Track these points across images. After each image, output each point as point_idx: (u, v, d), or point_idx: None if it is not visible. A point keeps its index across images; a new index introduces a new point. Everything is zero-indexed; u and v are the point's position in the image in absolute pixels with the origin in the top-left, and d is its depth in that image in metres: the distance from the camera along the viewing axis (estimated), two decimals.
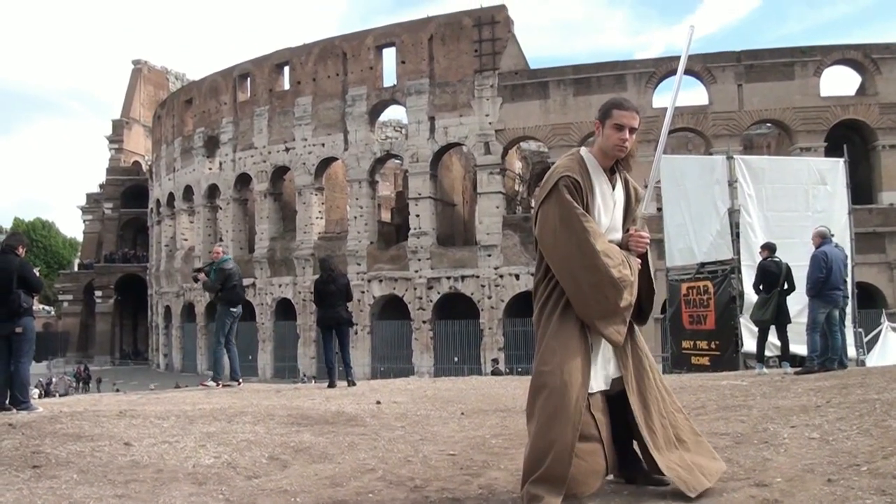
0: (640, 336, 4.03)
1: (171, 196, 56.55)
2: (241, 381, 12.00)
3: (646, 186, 4.11)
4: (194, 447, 5.47)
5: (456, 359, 40.41)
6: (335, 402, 8.80)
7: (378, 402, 8.44)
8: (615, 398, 3.89)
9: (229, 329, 11.86)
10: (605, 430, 3.84)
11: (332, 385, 11.36)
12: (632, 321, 3.94)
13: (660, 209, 20.51)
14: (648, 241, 3.94)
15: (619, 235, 3.96)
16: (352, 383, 11.48)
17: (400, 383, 12.07)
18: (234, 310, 11.86)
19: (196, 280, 12.18)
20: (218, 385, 11.64)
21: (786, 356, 12.25)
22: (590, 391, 3.77)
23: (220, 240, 50.04)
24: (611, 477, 3.97)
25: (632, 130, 3.84)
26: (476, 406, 8.07)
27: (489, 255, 39.10)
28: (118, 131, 70.67)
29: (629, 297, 3.76)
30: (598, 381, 3.83)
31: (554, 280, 3.83)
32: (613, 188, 3.96)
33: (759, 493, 3.72)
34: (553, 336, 3.77)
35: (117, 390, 34.19)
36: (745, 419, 6.07)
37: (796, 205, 16.87)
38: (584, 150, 3.99)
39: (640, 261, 3.91)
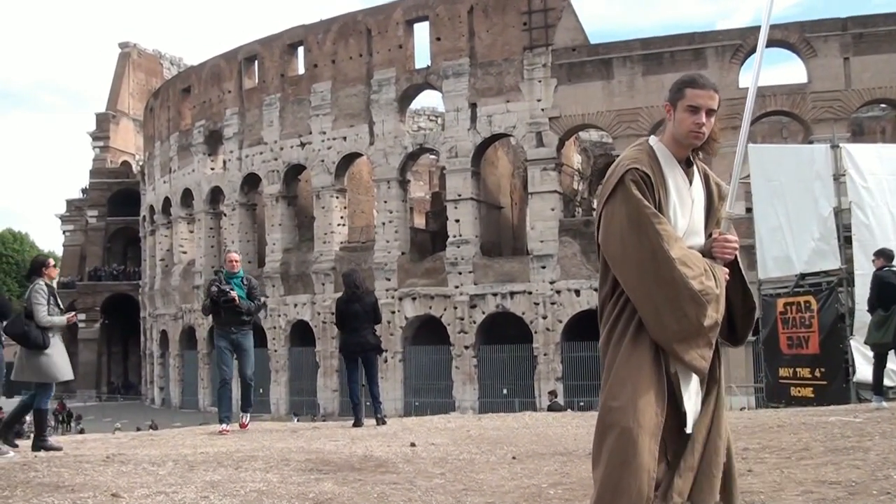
0: (720, 363, 3.95)
1: (166, 201, 57.34)
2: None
3: (732, 180, 4.04)
4: (195, 498, 5.49)
5: (505, 391, 40.34)
6: (362, 443, 8.82)
7: (413, 444, 8.45)
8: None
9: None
10: None
11: (357, 423, 11.38)
12: (718, 345, 3.87)
13: (749, 210, 20.29)
14: (737, 246, 3.87)
15: (700, 240, 3.90)
16: (381, 421, 11.49)
17: (438, 421, 12.06)
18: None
19: (229, 302, 11.22)
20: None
21: None
22: (688, 431, 3.72)
23: (227, 248, 50.57)
24: None
25: (709, 112, 3.79)
26: (530, 449, 8.02)
27: (543, 267, 38.98)
28: (103, 126, 71.85)
29: (714, 315, 3.68)
30: (694, 418, 3.78)
31: (624, 296, 3.78)
32: (691, 183, 3.90)
33: None
34: (623, 364, 3.72)
35: (81, 430, 34.74)
36: (861, 464, 5.95)
37: None
38: (653, 140, 3.95)
39: (727, 270, 3.85)
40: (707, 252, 3.85)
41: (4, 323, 9.07)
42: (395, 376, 42.32)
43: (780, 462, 6.36)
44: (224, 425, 11.23)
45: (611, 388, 3.73)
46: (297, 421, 34.31)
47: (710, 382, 3.86)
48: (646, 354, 3.71)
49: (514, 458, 7.39)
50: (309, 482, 6.19)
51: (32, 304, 9.11)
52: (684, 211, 3.86)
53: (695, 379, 3.78)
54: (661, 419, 3.64)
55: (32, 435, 9.89)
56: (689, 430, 3.73)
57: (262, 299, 11.91)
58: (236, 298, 11.23)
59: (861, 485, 5.23)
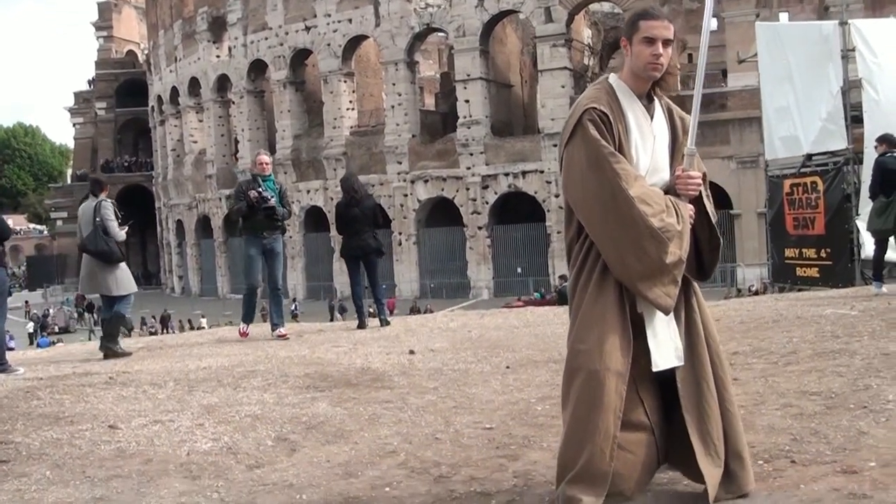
0: (698, 297, 3.95)
1: (174, 91, 56.97)
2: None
3: (692, 112, 3.94)
4: (190, 427, 5.63)
5: (519, 270, 40.74)
6: (362, 351, 8.96)
7: (411, 352, 8.58)
8: (670, 375, 3.85)
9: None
10: (656, 414, 3.83)
11: (361, 325, 11.56)
12: (689, 279, 3.87)
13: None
14: (700, 182, 3.84)
15: (665, 176, 3.87)
16: (385, 322, 11.67)
17: (441, 320, 12.23)
18: None
19: (270, 209, 10.83)
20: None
21: None
22: (655, 369, 3.75)
23: (237, 141, 50.49)
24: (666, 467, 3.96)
25: (666, 43, 3.72)
26: (525, 354, 8.14)
27: (555, 145, 38.64)
28: (105, 15, 71.00)
29: (677, 251, 3.67)
30: (668, 355, 3.79)
31: (588, 239, 3.79)
32: (652, 119, 3.86)
33: (846, 485, 3.61)
34: (590, 307, 3.75)
35: (96, 322, 34.75)
36: (845, 371, 5.95)
37: None
38: (612, 77, 3.90)
39: (692, 207, 3.83)
40: (673, 189, 3.83)
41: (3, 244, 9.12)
42: (410, 258, 42.73)
43: (766, 368, 6.42)
44: (243, 326, 11.25)
45: (578, 331, 3.77)
46: (297, 310, 35.05)
47: (693, 319, 3.87)
48: (611, 296, 3.73)
49: (507, 367, 7.50)
50: (303, 403, 6.33)
51: (106, 220, 9.74)
52: (646, 147, 3.82)
53: (660, 317, 3.80)
54: (628, 360, 3.69)
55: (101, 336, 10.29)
56: (655, 368, 3.76)
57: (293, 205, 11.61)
58: (268, 202, 10.90)
59: (840, 396, 5.25)
